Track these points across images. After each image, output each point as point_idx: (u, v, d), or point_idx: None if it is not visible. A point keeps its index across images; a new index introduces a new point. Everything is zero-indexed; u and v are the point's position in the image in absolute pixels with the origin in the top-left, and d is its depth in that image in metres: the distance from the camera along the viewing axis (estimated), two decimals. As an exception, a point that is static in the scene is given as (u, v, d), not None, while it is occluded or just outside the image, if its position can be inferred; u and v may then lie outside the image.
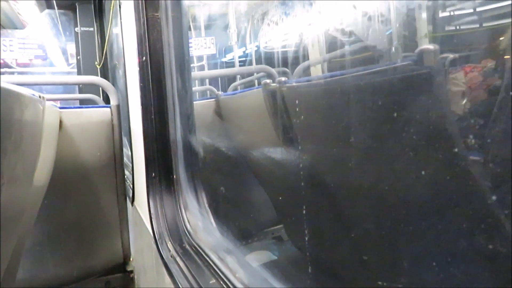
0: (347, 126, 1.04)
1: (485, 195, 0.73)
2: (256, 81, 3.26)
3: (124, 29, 1.84)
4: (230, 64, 5.73)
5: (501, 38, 0.76)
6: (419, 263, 0.85)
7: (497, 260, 0.66)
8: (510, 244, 0.62)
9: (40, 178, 1.59)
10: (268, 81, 1.58)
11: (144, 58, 1.43)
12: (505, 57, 0.71)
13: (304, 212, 1.39)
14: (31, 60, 5.71)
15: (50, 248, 2.23)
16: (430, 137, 0.78)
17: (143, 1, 1.42)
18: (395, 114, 0.82)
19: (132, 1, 1.48)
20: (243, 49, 5.40)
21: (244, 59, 5.44)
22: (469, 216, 0.72)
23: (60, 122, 1.93)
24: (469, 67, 1.08)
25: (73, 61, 5.73)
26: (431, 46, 0.80)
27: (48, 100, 1.71)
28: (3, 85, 0.84)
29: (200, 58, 5.04)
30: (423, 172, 0.79)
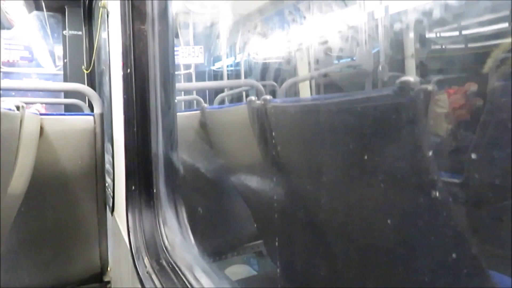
0: (327, 148, 1.05)
1: (463, 220, 0.74)
2: (244, 93, 3.27)
3: (111, 39, 1.83)
4: (219, 73, 5.73)
5: (485, 62, 0.77)
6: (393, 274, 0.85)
7: None
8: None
9: (16, 186, 1.56)
10: (253, 98, 1.58)
11: (128, 70, 1.42)
12: (489, 80, 0.72)
13: (284, 228, 1.39)
14: (17, 61, 5.64)
15: (26, 256, 2.18)
16: (405, 164, 0.79)
17: (130, 12, 1.42)
18: (374, 139, 0.83)
19: (119, 12, 1.47)
20: (232, 58, 5.41)
21: (232, 68, 5.45)
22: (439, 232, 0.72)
23: (41, 128, 1.90)
24: (452, 89, 1.10)
25: (61, 63, 5.67)
26: (411, 78, 0.81)
27: (31, 103, 1.69)
28: None
29: (188, 66, 5.03)
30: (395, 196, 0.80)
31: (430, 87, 0.82)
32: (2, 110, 1.00)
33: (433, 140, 0.86)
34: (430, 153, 0.75)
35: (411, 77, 0.82)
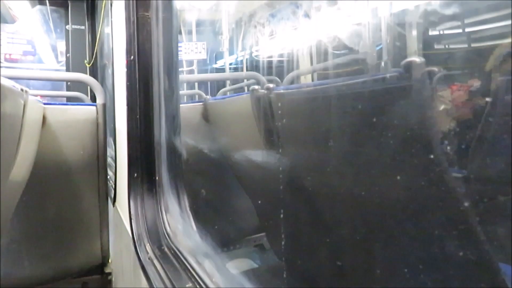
0: (332, 134, 1.04)
1: (464, 213, 0.73)
2: (246, 88, 3.27)
3: (114, 27, 1.83)
4: (221, 70, 5.72)
5: (488, 59, 0.76)
6: (396, 271, 0.84)
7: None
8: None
9: (18, 173, 1.55)
10: (256, 87, 1.58)
11: (132, 57, 1.42)
12: (492, 78, 0.71)
13: (287, 220, 1.38)
14: (20, 57, 5.64)
15: (27, 246, 2.18)
16: (408, 143, 0.78)
17: (134, 0, 1.41)
18: (376, 122, 0.82)
19: (123, 0, 1.47)
20: (234, 56, 5.40)
21: (235, 66, 5.45)
22: (446, 227, 0.72)
23: (44, 118, 1.90)
24: (455, 85, 1.09)
25: (63, 58, 5.67)
26: (417, 59, 0.80)
27: (33, 95, 1.69)
28: None
29: (190, 63, 5.02)
30: (398, 178, 0.79)
31: (435, 68, 0.81)
32: (7, 85, 1.00)
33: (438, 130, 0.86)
34: (437, 140, 0.75)
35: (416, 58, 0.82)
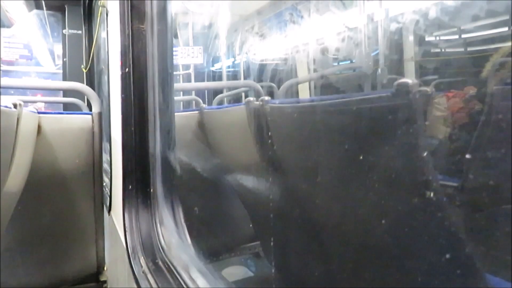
0: (324, 149, 1.05)
1: (460, 223, 0.74)
2: (243, 94, 3.27)
3: (110, 38, 1.83)
4: (218, 74, 5.72)
5: (484, 67, 0.77)
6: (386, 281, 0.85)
7: None
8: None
9: (13, 183, 1.55)
10: (251, 99, 1.58)
11: (127, 69, 1.42)
12: (488, 85, 0.72)
13: (281, 230, 1.39)
14: (16, 59, 5.63)
15: (22, 254, 2.18)
16: (402, 166, 0.79)
17: (129, 12, 1.42)
18: (368, 139, 0.83)
19: (118, 11, 1.47)
20: (231, 59, 5.41)
21: (231, 70, 5.45)
22: (437, 236, 0.72)
23: (39, 127, 1.90)
24: (451, 92, 1.10)
25: (60, 62, 5.66)
26: (409, 80, 0.81)
27: (30, 102, 1.69)
28: None
29: (187, 66, 5.02)
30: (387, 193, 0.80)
31: (428, 89, 0.82)
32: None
33: (431, 143, 0.86)
34: (428, 155, 0.75)
35: (409, 79, 0.82)
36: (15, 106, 1.23)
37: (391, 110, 0.84)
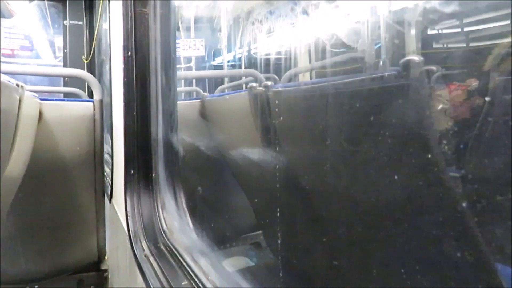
0: (329, 132, 1.04)
1: (461, 214, 0.73)
2: (244, 85, 3.26)
3: (112, 23, 1.82)
4: (219, 67, 5.70)
5: (487, 59, 0.76)
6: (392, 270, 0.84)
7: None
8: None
9: (14, 169, 1.55)
10: (254, 84, 1.57)
11: (129, 53, 1.41)
12: (490, 77, 0.71)
13: (283, 218, 1.38)
14: (12, 51, 5.59)
15: (22, 242, 2.17)
16: (405, 142, 0.78)
17: (132, -5, 1.41)
18: (374, 121, 0.82)
19: (121, -4, 1.46)
20: (233, 53, 5.39)
21: (233, 63, 5.43)
22: (443, 228, 0.72)
23: (40, 113, 1.88)
24: (453, 85, 1.09)
25: (60, 54, 5.64)
26: (415, 57, 0.80)
27: (30, 91, 1.68)
28: None
29: (189, 60, 5.00)
30: (396, 177, 0.79)
31: (433, 67, 0.81)
32: (2, 80, 0.99)
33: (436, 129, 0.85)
34: (434, 139, 0.74)
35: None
36: (17, 86, 1.23)
37: (397, 89, 0.83)
